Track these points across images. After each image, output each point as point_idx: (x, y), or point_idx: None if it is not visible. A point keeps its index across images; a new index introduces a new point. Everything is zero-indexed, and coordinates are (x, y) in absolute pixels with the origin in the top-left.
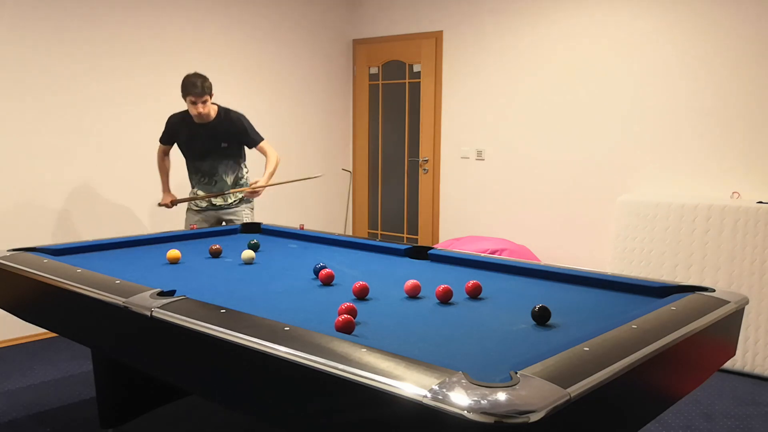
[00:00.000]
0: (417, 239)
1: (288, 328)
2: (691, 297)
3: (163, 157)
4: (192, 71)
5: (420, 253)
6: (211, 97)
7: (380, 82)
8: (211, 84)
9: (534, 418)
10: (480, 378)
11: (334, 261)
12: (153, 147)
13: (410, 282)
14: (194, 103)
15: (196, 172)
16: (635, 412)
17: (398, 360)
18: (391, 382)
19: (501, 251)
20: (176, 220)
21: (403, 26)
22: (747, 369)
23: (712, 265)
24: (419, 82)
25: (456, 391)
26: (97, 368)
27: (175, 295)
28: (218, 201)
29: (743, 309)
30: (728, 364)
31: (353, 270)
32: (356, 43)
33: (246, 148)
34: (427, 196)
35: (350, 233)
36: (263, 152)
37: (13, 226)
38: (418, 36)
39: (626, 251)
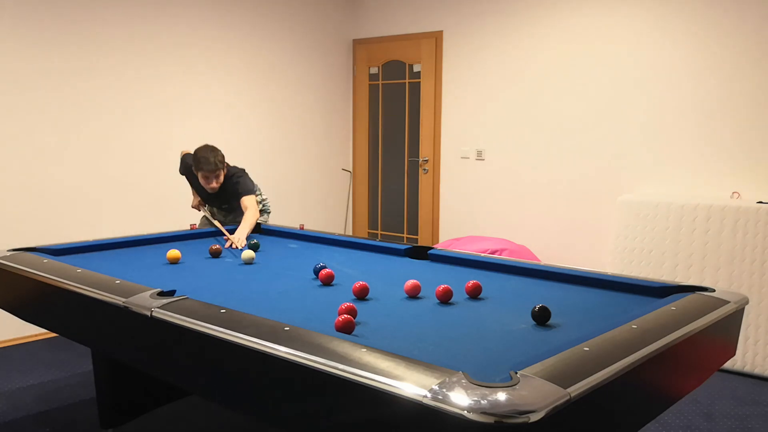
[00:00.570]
0: (417, 239)
1: (288, 328)
2: (691, 297)
3: None
4: (192, 72)
5: (420, 253)
6: (223, 171)
7: (380, 82)
8: (222, 156)
9: (534, 418)
10: (480, 378)
11: (334, 261)
12: (153, 147)
13: (410, 282)
14: (207, 178)
15: (211, 205)
16: (635, 412)
17: (398, 360)
18: (391, 382)
19: (501, 251)
20: (176, 220)
21: (403, 26)
22: (747, 369)
23: (712, 265)
24: (419, 82)
25: (456, 391)
26: (97, 368)
27: (175, 295)
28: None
29: (743, 309)
30: (728, 364)
31: (353, 270)
32: (356, 43)
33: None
34: (427, 196)
35: (350, 233)
36: (244, 206)
37: (13, 226)
38: (418, 36)
39: (626, 251)
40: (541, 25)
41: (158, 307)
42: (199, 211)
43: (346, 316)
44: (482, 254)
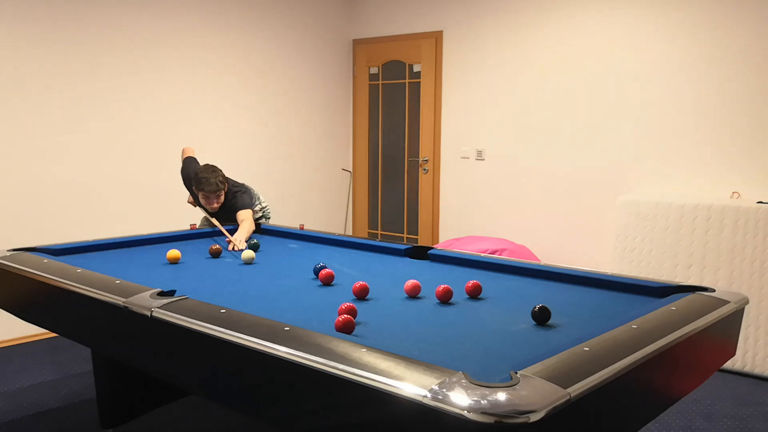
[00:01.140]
0: (417, 239)
1: (288, 328)
2: (691, 297)
3: None
4: (193, 72)
5: (420, 253)
6: (224, 190)
7: (380, 82)
8: (223, 176)
9: (534, 418)
10: (480, 378)
11: (334, 261)
12: (153, 147)
13: (410, 282)
14: (207, 198)
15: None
16: (635, 412)
17: (398, 360)
18: (391, 382)
19: (501, 251)
20: (176, 220)
21: (403, 26)
22: (747, 369)
23: (712, 265)
24: (419, 82)
25: (456, 391)
26: (97, 368)
27: (176, 295)
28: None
29: (743, 309)
30: (728, 364)
31: (353, 270)
32: (356, 43)
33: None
34: (427, 196)
35: (350, 233)
36: (239, 220)
37: (13, 226)
38: (418, 36)
39: (626, 251)
40: (541, 25)
41: (158, 307)
42: (195, 207)
43: (346, 316)
44: (482, 254)
